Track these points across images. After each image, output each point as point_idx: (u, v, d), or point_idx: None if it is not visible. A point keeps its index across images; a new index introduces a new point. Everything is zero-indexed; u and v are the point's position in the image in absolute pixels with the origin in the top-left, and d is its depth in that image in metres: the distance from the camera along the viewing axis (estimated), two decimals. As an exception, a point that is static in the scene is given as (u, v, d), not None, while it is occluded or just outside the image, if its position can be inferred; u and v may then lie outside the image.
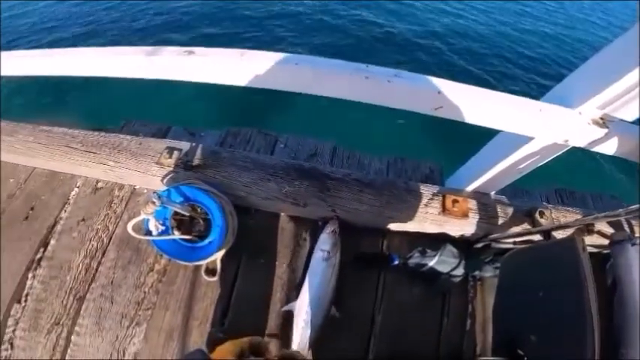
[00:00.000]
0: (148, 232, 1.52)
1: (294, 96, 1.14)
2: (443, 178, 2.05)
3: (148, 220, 1.49)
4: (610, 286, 1.22)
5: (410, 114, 1.15)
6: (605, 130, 1.09)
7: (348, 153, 2.13)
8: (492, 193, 1.77)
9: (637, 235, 1.71)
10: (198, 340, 1.53)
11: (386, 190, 1.71)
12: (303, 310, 1.45)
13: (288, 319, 1.52)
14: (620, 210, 1.11)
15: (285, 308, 1.55)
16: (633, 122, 1.15)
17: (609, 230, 1.66)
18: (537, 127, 1.15)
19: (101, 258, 1.67)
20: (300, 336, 1.43)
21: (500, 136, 1.53)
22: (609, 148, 1.16)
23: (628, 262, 1.11)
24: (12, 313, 1.57)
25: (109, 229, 1.73)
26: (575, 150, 1.25)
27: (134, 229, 1.47)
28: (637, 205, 1.06)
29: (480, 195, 1.74)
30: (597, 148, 1.17)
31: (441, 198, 1.71)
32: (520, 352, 1.20)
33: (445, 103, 1.08)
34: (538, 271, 1.31)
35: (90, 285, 1.62)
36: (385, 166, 2.13)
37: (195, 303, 1.60)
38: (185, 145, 1.75)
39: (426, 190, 1.74)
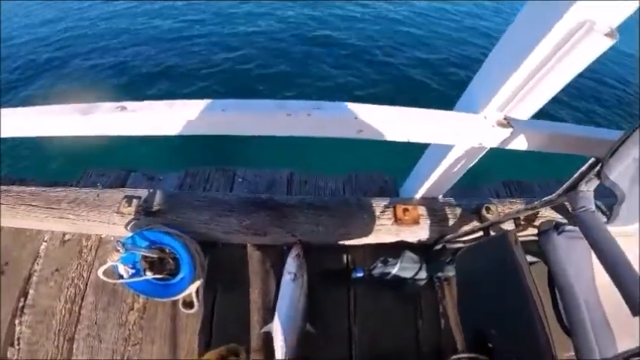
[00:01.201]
0: (120, 276, 1.59)
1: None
2: (397, 188, 2.15)
3: (117, 265, 1.55)
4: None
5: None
6: (511, 130, 1.18)
7: (304, 178, 2.21)
8: (440, 196, 1.87)
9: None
10: (188, 367, 1.61)
11: (339, 209, 1.80)
12: (279, 331, 1.53)
13: (268, 339, 1.59)
14: (536, 203, 1.20)
15: (264, 330, 1.62)
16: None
17: (556, 216, 1.77)
18: (451, 135, 1.24)
19: (81, 302, 1.72)
20: (281, 354, 1.50)
21: (430, 147, 1.64)
22: (520, 144, 1.24)
23: (554, 252, 1.15)
24: (8, 355, 1.62)
25: (83, 277, 1.77)
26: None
27: (106, 274, 1.52)
28: (550, 196, 1.15)
29: (428, 200, 1.85)
30: (511, 146, 1.26)
31: (392, 209, 1.81)
32: (490, 345, 1.25)
33: (364, 126, 1.17)
34: (484, 267, 1.37)
35: (76, 326, 1.68)
36: (341, 184, 2.22)
37: (179, 335, 1.67)
38: (143, 192, 1.81)
39: (378, 204, 1.84)
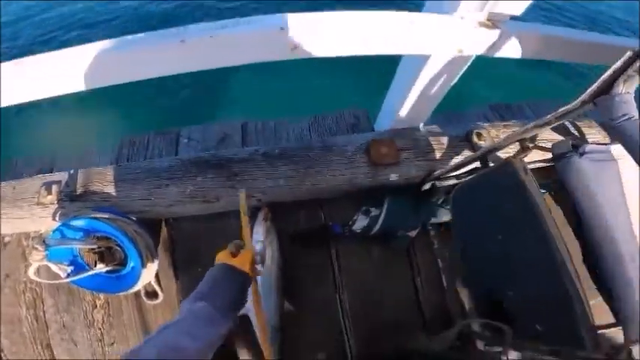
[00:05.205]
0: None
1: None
2: (372, 123, 1.83)
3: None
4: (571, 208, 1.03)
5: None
6: (498, 32, 0.93)
7: (260, 125, 1.88)
8: (421, 125, 1.57)
9: (589, 139, 1.51)
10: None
11: (300, 155, 1.48)
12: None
13: (247, 322, 1.34)
14: (549, 116, 0.88)
15: (240, 314, 1.36)
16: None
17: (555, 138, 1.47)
18: (420, 41, 0.94)
19: (42, 306, 1.53)
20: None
21: (401, 64, 1.33)
22: (511, 50, 1.02)
23: (580, 180, 0.96)
24: (-2, 366, 1.51)
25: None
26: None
27: (42, 275, 1.35)
28: (567, 106, 0.83)
29: (408, 131, 1.53)
30: (500, 53, 1.02)
31: (365, 147, 1.49)
32: (504, 305, 1.04)
33: (299, 40, 0.85)
34: (488, 207, 1.12)
35: (47, 332, 1.52)
36: (306, 128, 1.90)
37: (152, 327, 1.50)
38: (63, 176, 1.49)
39: (348, 143, 1.51)
